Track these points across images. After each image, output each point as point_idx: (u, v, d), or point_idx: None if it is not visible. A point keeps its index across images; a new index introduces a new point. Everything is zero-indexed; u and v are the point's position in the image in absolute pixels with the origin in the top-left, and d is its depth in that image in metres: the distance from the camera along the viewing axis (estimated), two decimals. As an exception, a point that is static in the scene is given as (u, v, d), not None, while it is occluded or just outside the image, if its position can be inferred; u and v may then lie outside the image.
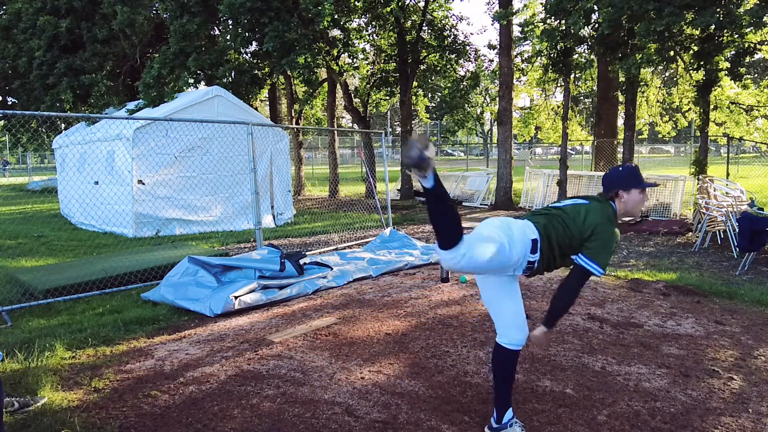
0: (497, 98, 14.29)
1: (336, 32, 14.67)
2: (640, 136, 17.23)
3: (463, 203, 14.71)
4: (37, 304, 5.26)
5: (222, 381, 3.60)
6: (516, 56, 14.37)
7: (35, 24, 14.98)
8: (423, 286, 6.05)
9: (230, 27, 13.85)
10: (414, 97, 17.64)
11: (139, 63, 15.22)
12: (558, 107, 15.96)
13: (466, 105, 17.36)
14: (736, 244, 7.25)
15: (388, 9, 14.25)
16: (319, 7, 11.42)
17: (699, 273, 6.63)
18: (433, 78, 17.70)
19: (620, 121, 15.55)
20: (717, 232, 8.36)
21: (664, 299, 5.45)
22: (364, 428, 2.98)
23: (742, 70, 10.16)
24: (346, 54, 14.42)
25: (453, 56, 16.24)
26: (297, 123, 18.38)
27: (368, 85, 17.33)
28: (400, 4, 14.44)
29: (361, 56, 15.82)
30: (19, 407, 3.17)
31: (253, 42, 13.65)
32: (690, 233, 9.40)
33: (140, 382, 3.60)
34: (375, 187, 11.14)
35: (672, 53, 10.25)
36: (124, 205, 9.77)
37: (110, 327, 4.68)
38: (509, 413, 2.82)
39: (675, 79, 13.99)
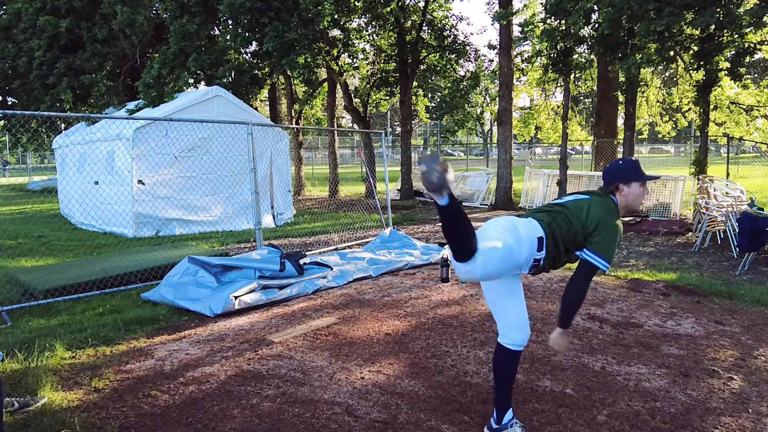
0: (497, 98, 14.29)
1: (336, 32, 14.67)
2: (640, 136, 17.24)
3: (463, 203, 14.71)
4: (37, 304, 5.26)
5: (222, 381, 3.60)
6: (516, 56, 14.37)
7: (35, 24, 14.98)
8: (423, 286, 6.05)
9: (230, 27, 13.85)
10: (414, 97, 17.64)
11: (139, 63, 15.22)
12: (558, 107, 15.96)
13: (466, 105, 17.35)
14: (736, 244, 7.25)
15: (388, 9, 14.25)
16: (319, 7, 11.42)
17: (699, 273, 6.63)
18: (433, 78, 17.70)
19: (620, 121, 15.55)
20: (717, 232, 8.36)
21: (664, 299, 5.45)
22: (364, 428, 2.98)
23: (742, 70, 10.16)
24: (346, 54, 14.42)
25: (453, 56, 16.23)
26: (297, 123, 18.37)
27: (368, 85, 17.33)
28: (400, 4, 14.44)
29: (361, 56, 15.81)
30: (19, 407, 3.17)
31: (253, 42, 13.65)
32: (690, 233, 9.40)
33: (140, 382, 3.60)
34: (375, 187, 11.14)
35: (672, 53, 10.25)
36: (124, 205, 9.77)
37: (110, 327, 4.68)
38: (509, 413, 2.82)
39: (675, 79, 13.99)
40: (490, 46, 17.92)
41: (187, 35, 12.97)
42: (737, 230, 6.96)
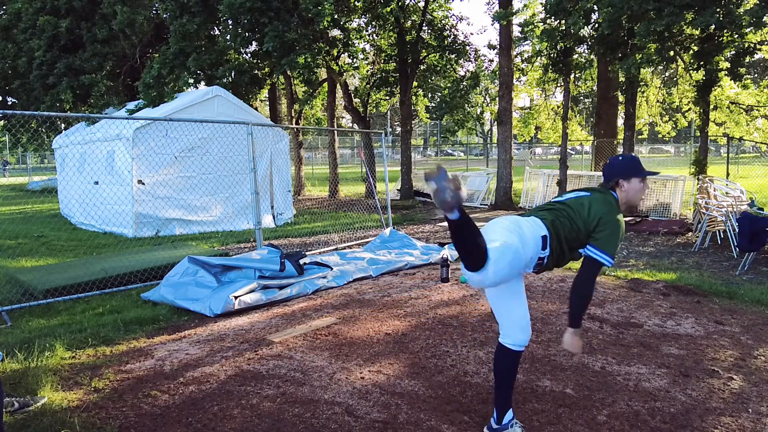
0: (497, 98, 14.29)
1: (336, 32, 14.67)
2: (640, 136, 17.23)
3: (463, 203, 14.68)
4: (37, 304, 5.26)
5: (222, 381, 3.60)
6: (516, 56, 14.37)
7: (35, 24, 14.98)
8: (423, 286, 6.05)
9: (230, 27, 13.85)
10: (414, 97, 17.64)
11: (139, 63, 15.22)
12: (558, 107, 15.96)
13: (466, 105, 17.35)
14: (736, 244, 7.25)
15: (388, 9, 14.26)
16: (319, 7, 11.42)
17: (699, 273, 6.63)
18: (433, 78, 17.70)
19: (620, 121, 15.55)
20: (717, 232, 8.36)
21: (664, 299, 5.45)
22: (364, 428, 2.98)
23: (742, 70, 10.16)
24: (346, 54, 14.41)
25: (453, 56, 16.23)
26: (297, 123, 18.37)
27: (368, 85, 17.33)
28: (400, 4, 14.44)
29: (361, 56, 15.80)
30: (19, 407, 3.17)
31: (253, 42, 13.65)
32: (690, 233, 9.40)
33: (140, 382, 3.60)
34: (375, 187, 11.15)
35: (672, 53, 10.25)
36: (124, 205, 9.77)
37: (110, 327, 4.68)
38: (509, 414, 2.82)
39: (675, 79, 13.98)
40: (490, 46, 17.93)
41: (187, 35, 12.97)
42: (737, 230, 6.96)
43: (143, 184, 9.71)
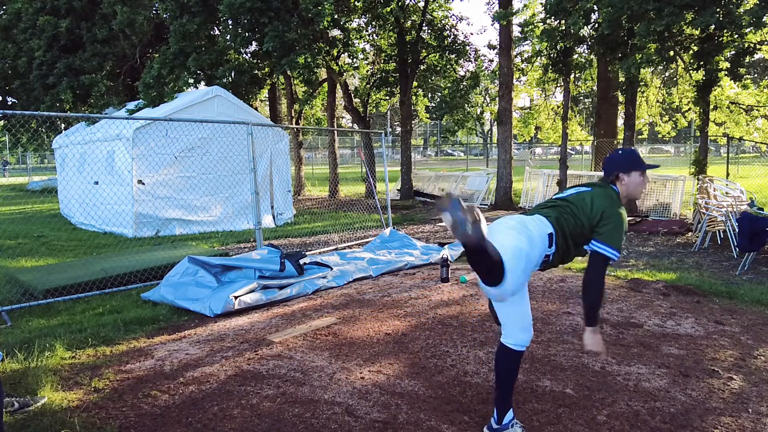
0: (497, 98, 14.29)
1: (336, 32, 14.67)
2: (640, 136, 17.22)
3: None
4: (37, 304, 5.26)
5: (222, 381, 3.60)
6: (516, 56, 14.37)
7: (35, 24, 14.98)
8: (423, 286, 6.05)
9: (230, 27, 13.85)
10: (414, 97, 17.64)
11: (139, 63, 15.22)
12: (558, 107, 15.96)
13: (466, 105, 17.35)
14: (735, 244, 7.25)
15: (388, 9, 14.26)
16: (319, 7, 11.42)
17: (699, 273, 6.63)
18: (433, 78, 17.70)
19: (620, 121, 15.54)
20: (717, 232, 8.36)
21: (664, 299, 5.45)
22: (364, 428, 2.98)
23: (742, 70, 10.16)
24: (346, 54, 14.42)
25: (453, 56, 16.23)
26: (297, 123, 18.38)
27: (368, 85, 17.33)
28: (400, 4, 14.44)
29: (361, 56, 15.81)
30: (19, 407, 3.17)
31: (253, 42, 13.65)
32: (690, 233, 9.40)
33: (140, 382, 3.60)
34: (375, 187, 11.15)
35: (672, 53, 10.25)
36: (124, 205, 9.77)
37: (110, 327, 4.68)
38: (510, 414, 2.82)
39: (675, 79, 13.98)
40: (490, 46, 17.93)
41: (187, 35, 12.97)
42: (737, 230, 6.96)
43: (143, 184, 9.72)
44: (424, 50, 15.89)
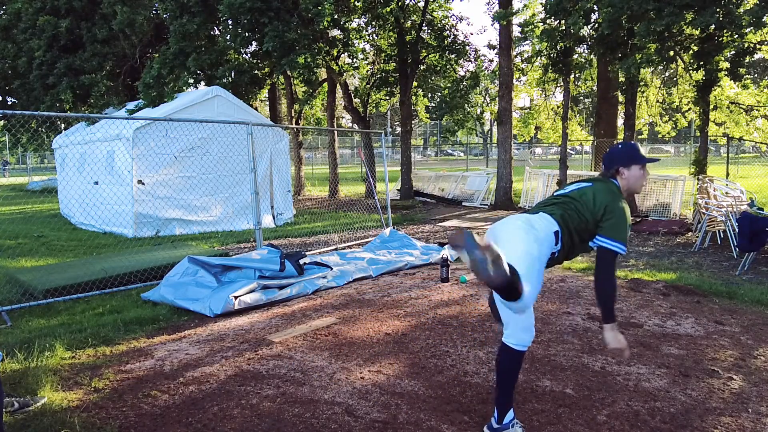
0: (497, 98, 14.29)
1: (336, 32, 14.67)
2: (640, 136, 17.22)
3: (463, 203, 14.71)
4: (37, 304, 5.26)
5: (222, 381, 3.60)
6: (516, 56, 14.37)
7: (35, 24, 14.98)
8: (423, 286, 6.05)
9: (230, 27, 13.85)
10: (414, 97, 17.64)
11: (139, 63, 15.22)
12: (558, 107, 15.96)
13: (466, 105, 17.34)
14: (735, 244, 7.25)
15: (388, 9, 14.25)
16: (319, 7, 11.42)
17: (699, 273, 6.63)
18: (433, 78, 17.69)
19: (620, 121, 15.54)
20: (717, 232, 8.36)
21: (664, 299, 5.45)
22: (364, 428, 2.98)
23: (742, 70, 10.16)
24: (346, 54, 14.41)
25: (453, 56, 16.23)
26: (297, 123, 18.38)
27: (368, 85, 17.33)
28: (400, 4, 14.44)
29: (361, 56, 15.81)
30: (19, 407, 3.17)
31: (253, 42, 13.65)
32: (690, 233, 9.40)
33: (140, 382, 3.60)
34: (375, 187, 11.15)
35: (672, 53, 10.24)
36: (124, 205, 9.77)
37: (110, 327, 4.68)
38: (510, 414, 2.82)
39: (675, 79, 13.98)
40: (490, 46, 17.94)
41: (187, 35, 12.97)
42: (737, 230, 6.96)
43: (143, 184, 9.72)
44: (424, 50, 15.89)
